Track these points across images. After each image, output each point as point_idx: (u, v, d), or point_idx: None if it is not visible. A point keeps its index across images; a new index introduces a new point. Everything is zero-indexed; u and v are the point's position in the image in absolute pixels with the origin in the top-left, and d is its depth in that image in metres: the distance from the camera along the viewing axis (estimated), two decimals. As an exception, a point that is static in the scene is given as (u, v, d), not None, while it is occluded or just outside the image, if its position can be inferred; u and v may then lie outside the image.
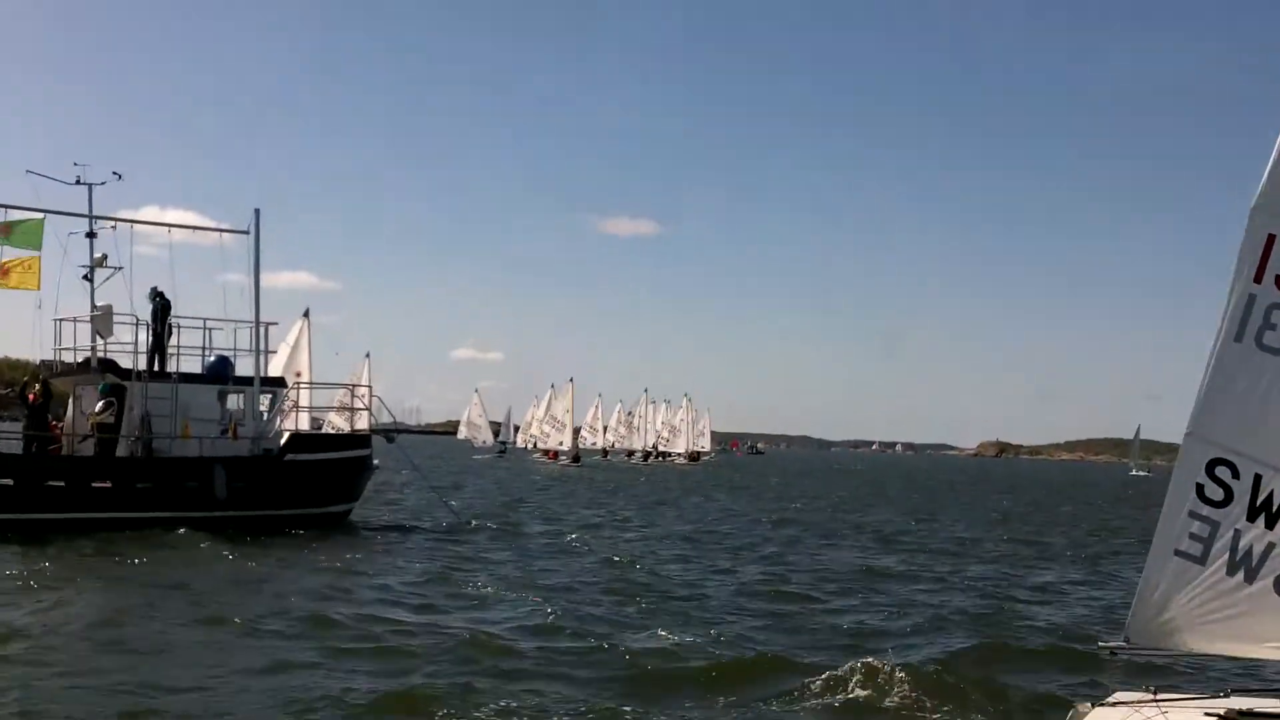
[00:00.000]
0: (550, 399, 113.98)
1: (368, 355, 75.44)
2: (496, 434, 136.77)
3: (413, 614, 18.16)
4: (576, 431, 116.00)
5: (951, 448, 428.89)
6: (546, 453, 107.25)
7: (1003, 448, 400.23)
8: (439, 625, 17.11)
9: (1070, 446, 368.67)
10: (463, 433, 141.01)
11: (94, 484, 26.81)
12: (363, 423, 34.44)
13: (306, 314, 36.21)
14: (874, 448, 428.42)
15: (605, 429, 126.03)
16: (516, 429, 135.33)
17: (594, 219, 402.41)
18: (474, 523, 33.92)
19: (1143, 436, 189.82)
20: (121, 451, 28.03)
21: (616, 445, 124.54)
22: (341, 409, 38.53)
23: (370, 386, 38.53)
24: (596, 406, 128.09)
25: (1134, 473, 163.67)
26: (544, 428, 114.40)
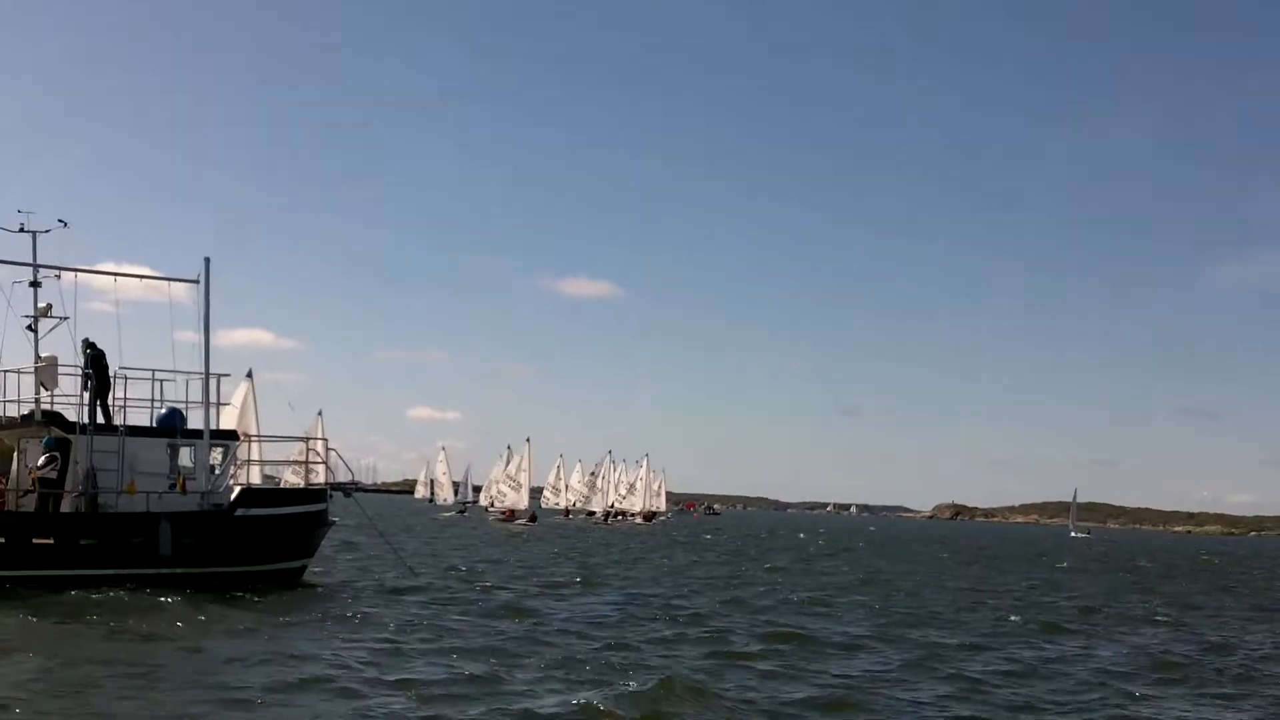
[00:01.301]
0: (508, 458, 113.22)
1: (320, 413, 74.36)
2: (456, 492, 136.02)
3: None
4: (538, 491, 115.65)
5: (907, 510, 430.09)
6: (504, 512, 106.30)
7: (958, 510, 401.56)
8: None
9: (1025, 509, 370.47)
10: (420, 491, 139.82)
11: (35, 540, 25.85)
12: (319, 477, 33.61)
13: (250, 374, 35.40)
14: (829, 509, 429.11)
15: (566, 488, 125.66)
16: (476, 489, 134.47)
17: (551, 279, 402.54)
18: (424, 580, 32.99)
19: (1098, 500, 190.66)
20: (66, 507, 27.13)
21: (576, 505, 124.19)
22: (297, 464, 37.62)
23: (326, 440, 37.73)
24: (558, 466, 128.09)
25: (1073, 534, 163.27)
26: (501, 488, 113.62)
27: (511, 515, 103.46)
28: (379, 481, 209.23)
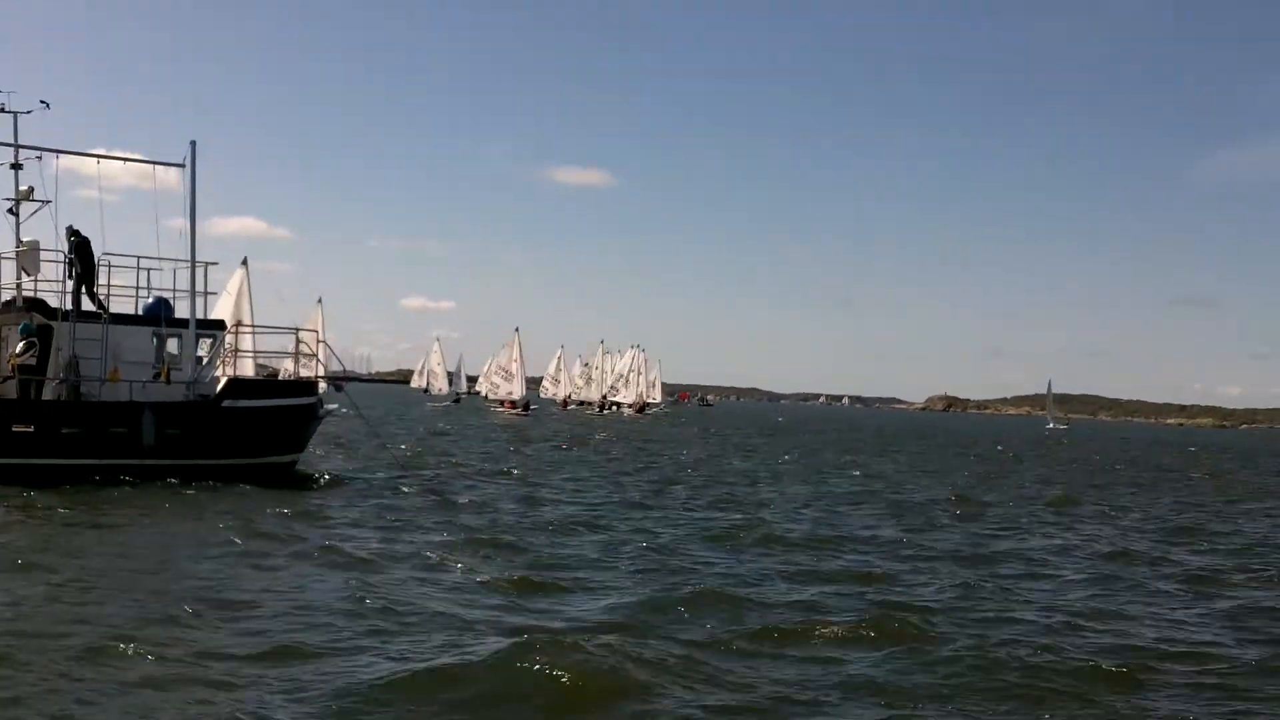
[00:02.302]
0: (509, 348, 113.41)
1: (320, 301, 73.64)
2: (450, 383, 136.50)
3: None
4: (536, 381, 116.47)
5: (900, 401, 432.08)
6: (502, 402, 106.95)
7: (950, 402, 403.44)
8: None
9: (1017, 401, 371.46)
10: (416, 381, 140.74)
11: (14, 428, 25.37)
12: (311, 369, 33.04)
13: (245, 262, 34.64)
14: (821, 400, 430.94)
15: (567, 380, 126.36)
16: (470, 379, 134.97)
17: (544, 168, 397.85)
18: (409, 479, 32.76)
19: (1091, 392, 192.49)
20: (48, 395, 26.61)
21: (572, 396, 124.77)
22: (284, 355, 37.02)
23: (318, 331, 37.02)
24: (558, 357, 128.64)
25: (1050, 426, 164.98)
26: (494, 379, 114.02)
27: (512, 405, 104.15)
28: (374, 371, 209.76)
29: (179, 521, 21.16)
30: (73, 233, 27.92)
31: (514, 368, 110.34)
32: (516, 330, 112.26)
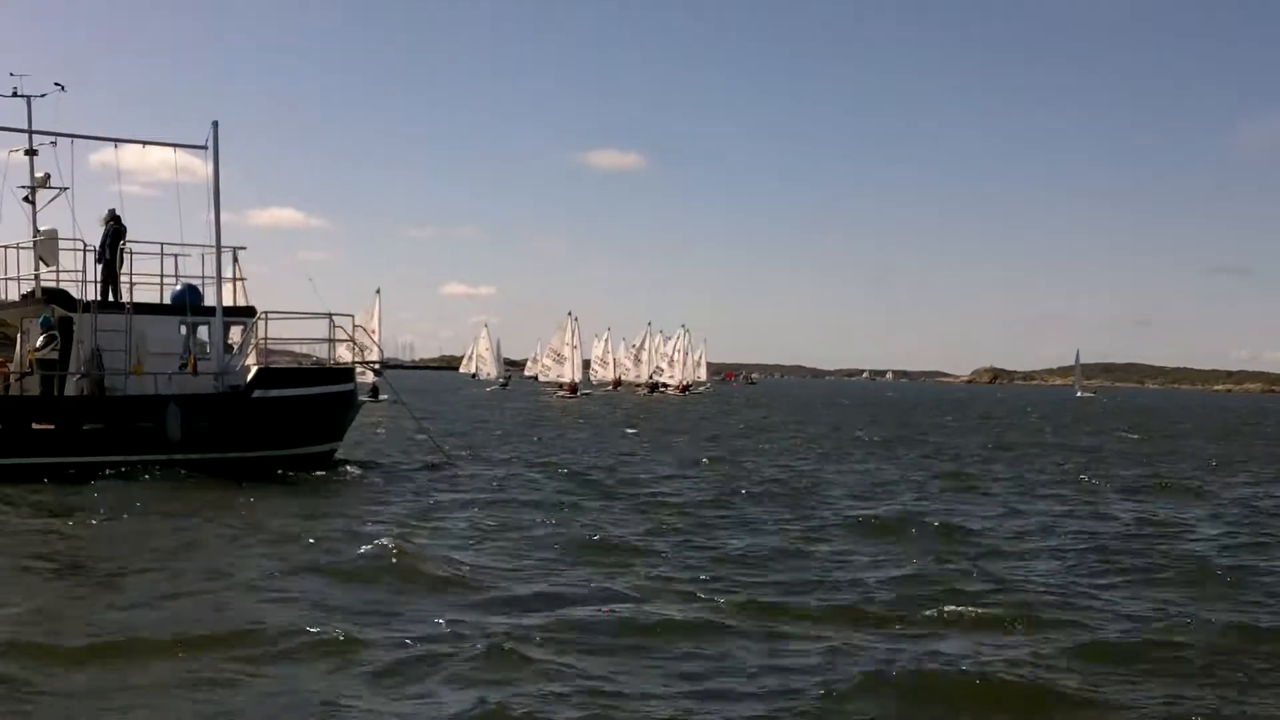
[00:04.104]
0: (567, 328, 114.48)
1: (378, 291, 73.49)
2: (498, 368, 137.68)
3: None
4: (586, 364, 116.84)
5: (945, 375, 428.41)
6: (561, 386, 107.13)
7: (996, 374, 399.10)
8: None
9: (1063, 372, 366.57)
10: (465, 367, 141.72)
11: (35, 426, 24.26)
12: (351, 356, 31.70)
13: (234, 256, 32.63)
14: (864, 376, 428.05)
15: (615, 362, 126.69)
16: (510, 363, 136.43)
17: (579, 152, 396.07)
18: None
19: (1136, 360, 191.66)
20: (71, 390, 25.50)
21: (622, 379, 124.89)
22: (319, 341, 35.66)
23: (352, 316, 35.62)
24: (605, 339, 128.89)
25: (1079, 394, 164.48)
26: (546, 361, 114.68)
27: (572, 389, 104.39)
28: (417, 359, 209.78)
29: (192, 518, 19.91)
30: (112, 216, 26.81)
31: (567, 351, 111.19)
32: (570, 314, 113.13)
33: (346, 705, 9.72)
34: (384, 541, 16.21)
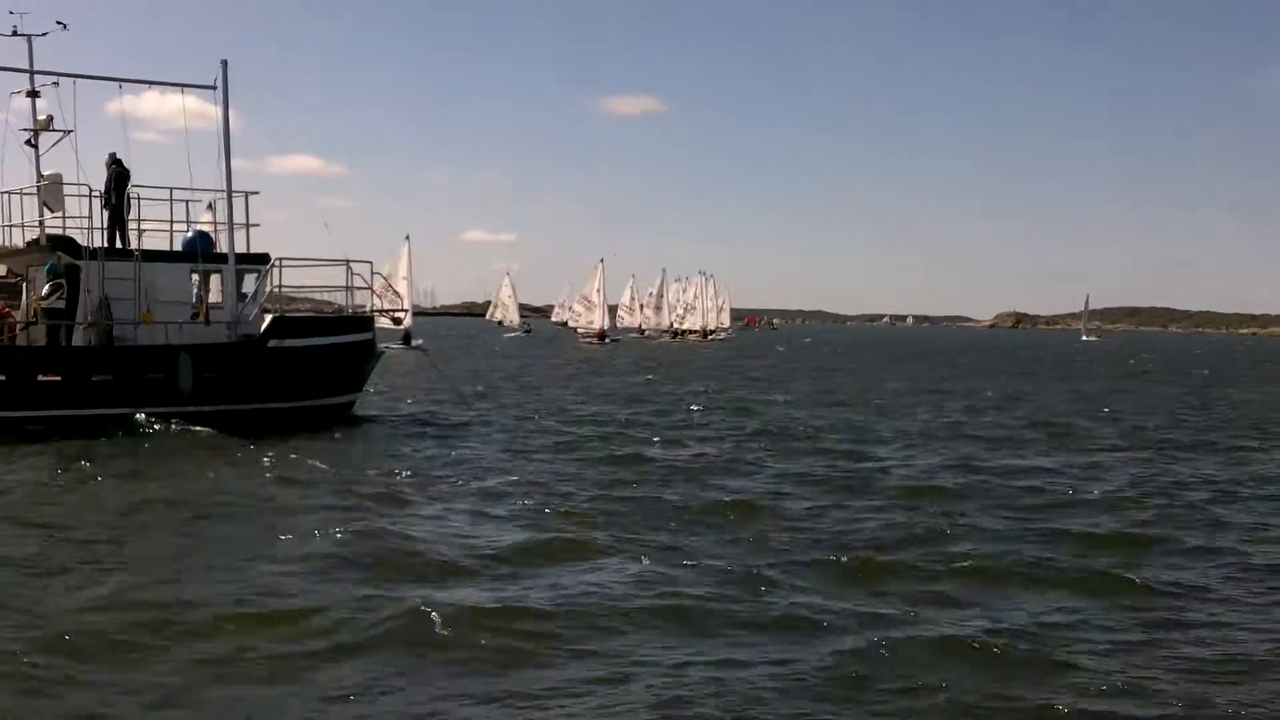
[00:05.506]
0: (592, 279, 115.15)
1: (407, 238, 72.81)
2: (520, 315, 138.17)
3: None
4: (613, 310, 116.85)
5: (968, 319, 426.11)
6: (591, 334, 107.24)
7: (1019, 319, 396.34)
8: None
9: (1089, 316, 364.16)
10: (496, 315, 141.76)
11: (41, 377, 23.40)
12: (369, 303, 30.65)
13: (211, 205, 31.27)
14: (885, 321, 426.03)
15: (641, 308, 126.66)
16: (531, 309, 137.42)
17: (597, 96, 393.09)
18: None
19: (1160, 304, 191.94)
20: (79, 341, 24.62)
21: (643, 326, 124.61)
22: (334, 289, 34.61)
23: (370, 263, 34.47)
24: (631, 286, 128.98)
25: (1085, 338, 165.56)
26: (576, 308, 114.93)
27: (600, 336, 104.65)
28: (438, 305, 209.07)
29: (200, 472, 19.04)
30: (114, 160, 25.83)
31: (596, 298, 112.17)
32: (601, 261, 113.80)
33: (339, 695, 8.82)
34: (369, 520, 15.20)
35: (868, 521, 16.01)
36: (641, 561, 12.87)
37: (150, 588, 11.50)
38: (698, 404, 35.99)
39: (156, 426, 23.25)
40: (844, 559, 13.37)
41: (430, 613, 10.39)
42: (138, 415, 23.54)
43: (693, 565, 12.86)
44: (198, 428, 23.35)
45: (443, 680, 9.11)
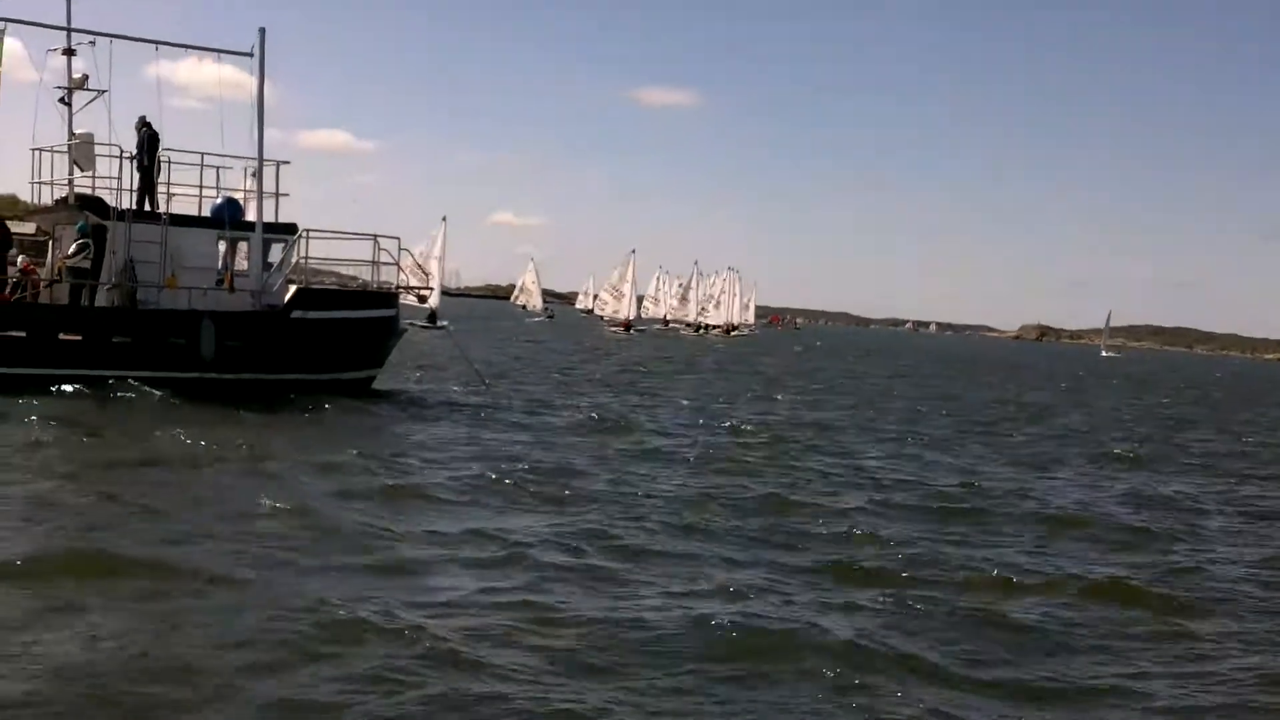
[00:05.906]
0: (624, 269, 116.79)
1: (444, 219, 72.96)
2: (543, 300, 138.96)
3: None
4: (640, 300, 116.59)
5: (991, 329, 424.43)
6: (616, 323, 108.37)
7: (1044, 331, 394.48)
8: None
9: (1112, 332, 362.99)
10: (520, 299, 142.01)
11: (61, 336, 23.33)
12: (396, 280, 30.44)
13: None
14: (908, 326, 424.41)
15: (665, 300, 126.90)
16: (556, 295, 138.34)
17: (631, 88, 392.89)
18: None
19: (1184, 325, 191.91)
20: (102, 301, 24.54)
21: (668, 318, 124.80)
22: (361, 263, 34.35)
23: (399, 239, 34.13)
24: (657, 277, 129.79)
25: (1104, 354, 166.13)
26: (605, 296, 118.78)
27: (626, 326, 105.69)
28: (463, 286, 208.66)
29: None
30: (144, 123, 25.72)
31: (625, 288, 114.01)
32: (633, 252, 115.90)
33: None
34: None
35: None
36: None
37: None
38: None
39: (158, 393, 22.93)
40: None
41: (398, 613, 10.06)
42: (129, 380, 23.32)
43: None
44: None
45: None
